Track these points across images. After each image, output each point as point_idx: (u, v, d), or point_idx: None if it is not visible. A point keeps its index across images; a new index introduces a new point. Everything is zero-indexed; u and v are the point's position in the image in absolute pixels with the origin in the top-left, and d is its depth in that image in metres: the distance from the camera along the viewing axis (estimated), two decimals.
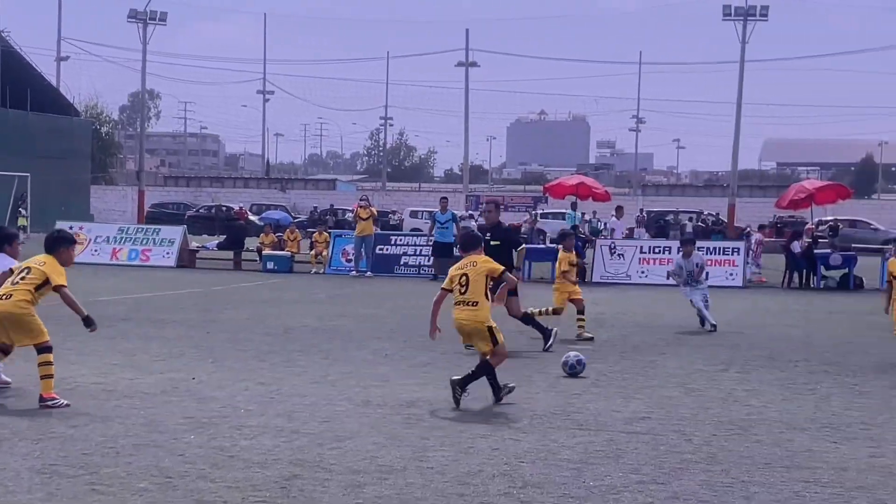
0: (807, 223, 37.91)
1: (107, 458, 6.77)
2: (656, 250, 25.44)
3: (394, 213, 59.85)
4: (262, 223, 40.51)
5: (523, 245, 14.01)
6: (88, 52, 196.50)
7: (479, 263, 9.03)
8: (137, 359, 11.12)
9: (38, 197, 47.61)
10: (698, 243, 27.17)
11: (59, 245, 8.86)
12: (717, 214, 55.50)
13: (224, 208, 57.83)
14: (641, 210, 56.09)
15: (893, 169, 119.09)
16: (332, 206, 62.83)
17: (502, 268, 9.20)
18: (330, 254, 27.11)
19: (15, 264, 9.18)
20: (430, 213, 40.75)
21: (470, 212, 55.19)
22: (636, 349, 12.91)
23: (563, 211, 52.70)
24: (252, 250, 28.46)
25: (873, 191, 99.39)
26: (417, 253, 26.62)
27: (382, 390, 9.52)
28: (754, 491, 6.32)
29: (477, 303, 8.86)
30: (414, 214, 57.21)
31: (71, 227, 29.55)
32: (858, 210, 57.10)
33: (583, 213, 31.92)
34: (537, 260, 26.50)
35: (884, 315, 13.28)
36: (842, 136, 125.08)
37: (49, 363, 8.51)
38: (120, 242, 28.47)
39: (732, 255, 25.27)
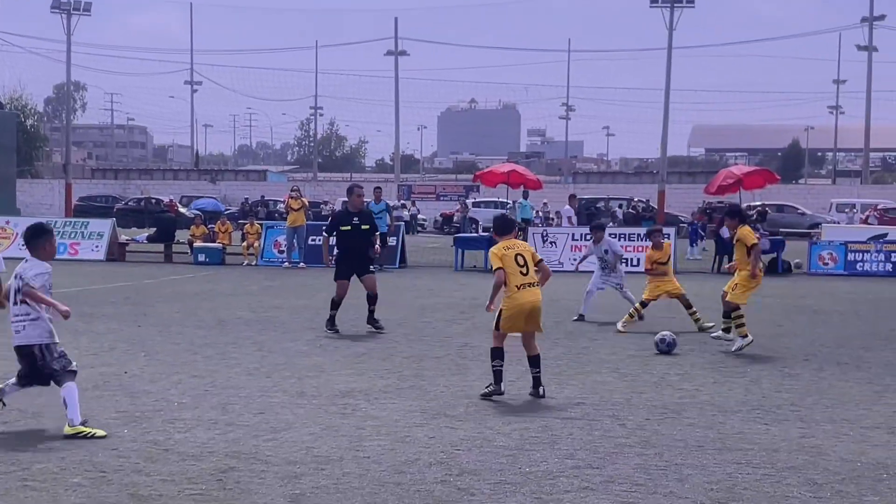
0: None
1: (39, 453, 6.66)
2: (588, 238, 25.63)
3: (325, 203, 59.49)
4: (193, 214, 40.02)
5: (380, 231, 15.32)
6: (11, 43, 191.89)
7: (523, 245, 8.97)
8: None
9: None
10: (630, 230, 27.66)
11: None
12: (648, 201, 56.25)
13: (153, 200, 56.94)
14: (572, 197, 56.56)
15: (819, 154, 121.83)
16: (263, 197, 62.29)
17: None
18: (262, 245, 26.89)
19: None
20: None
21: (402, 201, 55.27)
22: (569, 335, 13.04)
23: (494, 199, 53.07)
24: (183, 242, 28.09)
25: (800, 176, 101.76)
26: None
27: (317, 381, 9.49)
28: (688, 473, 6.44)
29: (536, 283, 8.79)
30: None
31: None
32: (786, 195, 58.40)
33: (514, 201, 32.07)
34: (470, 248, 26.63)
35: (812, 298, 13.54)
36: (769, 121, 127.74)
37: None
38: None
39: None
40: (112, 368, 10.01)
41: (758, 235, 14.81)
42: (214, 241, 27.74)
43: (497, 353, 8.80)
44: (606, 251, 15.07)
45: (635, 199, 58.04)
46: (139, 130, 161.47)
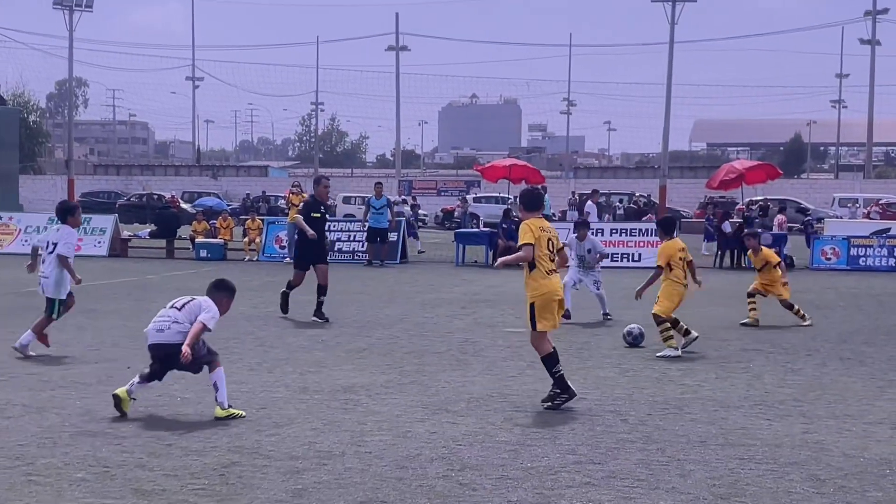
0: (737, 203, 38.60)
1: (43, 448, 6.68)
2: (590, 232, 25.63)
3: None
4: (195, 210, 39.99)
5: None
6: (13, 39, 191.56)
7: (552, 229, 8.32)
8: (72, 349, 10.94)
9: None
10: (632, 225, 27.63)
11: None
12: (649, 196, 56.23)
13: (155, 196, 56.94)
14: (573, 193, 56.56)
15: (822, 148, 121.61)
16: (264, 192, 62.24)
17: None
18: (263, 241, 26.89)
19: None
20: (364, 198, 40.56)
21: (403, 197, 55.25)
22: (570, 331, 13.03)
23: (495, 195, 53.01)
24: (185, 238, 28.10)
25: (802, 170, 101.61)
26: (351, 239, 26.55)
27: (319, 376, 9.50)
28: (690, 469, 6.44)
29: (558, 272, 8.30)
30: (347, 200, 56.95)
31: (0, 218, 28.94)
32: (788, 190, 58.35)
33: (516, 197, 32.09)
34: (471, 244, 26.60)
35: (815, 293, 13.54)
36: (771, 115, 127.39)
37: None
38: None
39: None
40: (115, 364, 10.02)
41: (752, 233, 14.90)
42: (216, 237, 27.75)
43: (551, 359, 8.12)
44: (590, 250, 14.89)
45: (637, 194, 58.03)
46: (141, 126, 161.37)
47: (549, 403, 8.15)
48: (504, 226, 24.90)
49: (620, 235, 25.86)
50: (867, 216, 44.56)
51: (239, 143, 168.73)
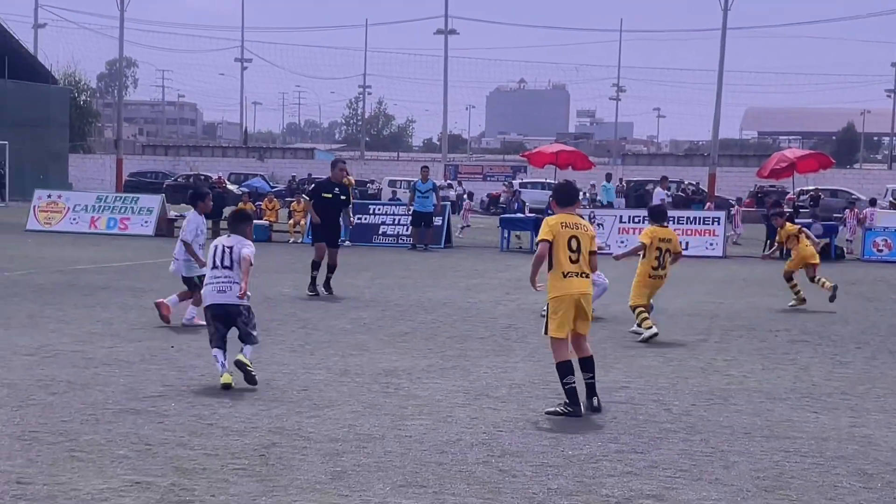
0: (788, 193, 38.07)
1: (86, 425, 6.76)
2: (635, 220, 25.48)
3: (372, 182, 59.66)
4: (241, 192, 40.32)
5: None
6: (66, 19, 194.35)
7: (585, 227, 7.66)
8: (116, 327, 11.08)
9: (15, 166, 47.11)
10: (678, 213, 27.36)
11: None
12: (698, 184, 55.61)
13: (202, 177, 57.46)
14: (621, 180, 56.15)
15: (875, 138, 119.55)
16: (310, 175, 62.43)
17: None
18: (308, 223, 26.99)
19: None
20: (409, 182, 40.59)
21: (449, 181, 55.22)
22: (615, 319, 12.94)
23: (541, 180, 52.79)
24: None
25: (855, 160, 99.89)
26: (396, 222, 26.60)
27: (360, 359, 9.52)
28: (734, 460, 6.36)
29: (589, 275, 7.59)
30: (392, 184, 57.08)
31: (50, 196, 29.39)
32: (840, 180, 57.42)
33: (593, 184, 31.79)
34: (516, 229, 26.52)
35: (866, 285, 13.36)
36: (824, 104, 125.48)
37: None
38: (98, 211, 28.31)
39: (713, 224, 25.37)
40: (158, 343, 10.13)
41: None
42: (261, 219, 27.94)
43: (565, 368, 7.41)
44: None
45: (685, 182, 57.40)
46: (189, 107, 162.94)
47: (553, 409, 7.43)
48: (549, 211, 24.78)
49: (669, 224, 25.59)
50: None
51: (286, 126, 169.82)
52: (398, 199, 41.46)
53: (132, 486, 5.44)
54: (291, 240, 26.49)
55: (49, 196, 29.48)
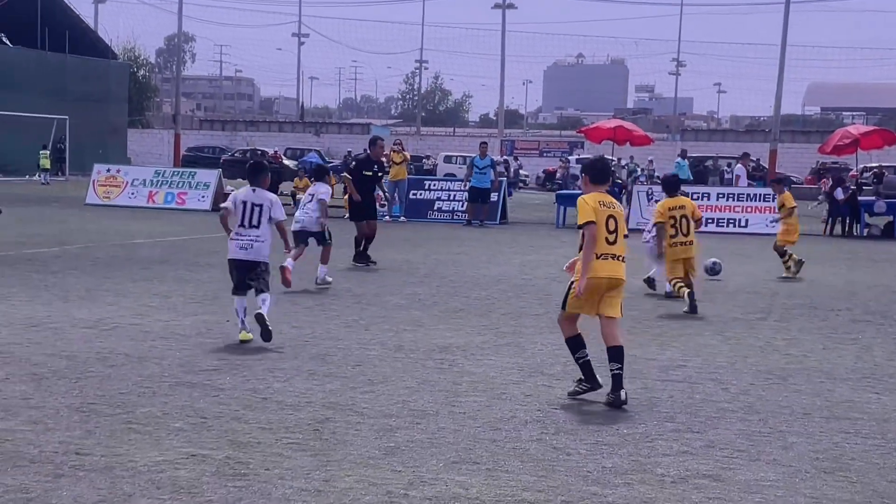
0: (850, 169, 37.31)
1: (143, 397, 6.86)
2: (694, 197, 25.06)
3: (428, 157, 59.66)
4: (299, 168, 40.54)
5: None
6: None
7: (618, 206, 7.28)
8: (173, 301, 11.23)
9: (76, 140, 47.94)
10: (739, 190, 26.92)
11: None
12: (759, 160, 54.72)
13: (259, 152, 57.95)
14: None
15: None
16: (365, 150, 62.90)
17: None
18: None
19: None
20: (466, 158, 40.59)
21: (505, 157, 55.01)
22: (672, 297, 12.79)
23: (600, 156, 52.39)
24: (286, 194, 28.52)
25: None
26: (451, 198, 26.57)
27: (415, 335, 9.54)
28: (792, 441, 6.26)
29: (624, 259, 7.20)
30: (448, 159, 57.02)
31: (108, 170, 29.86)
32: None
33: (619, 158, 31.59)
34: (572, 206, 26.29)
35: None
36: (889, 80, 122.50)
37: None
38: (156, 186, 28.71)
39: (774, 201, 24.92)
40: (215, 317, 10.23)
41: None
42: None
43: (575, 343, 7.19)
44: None
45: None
46: (246, 82, 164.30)
47: (573, 389, 7.21)
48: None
49: (728, 200, 25.24)
50: None
51: (342, 101, 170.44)
52: (453, 175, 41.38)
53: (188, 459, 5.52)
54: (346, 215, 26.46)
55: (108, 170, 29.96)
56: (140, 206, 27.63)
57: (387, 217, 25.49)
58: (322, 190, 13.59)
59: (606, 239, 7.04)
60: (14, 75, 48.43)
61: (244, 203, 9.10)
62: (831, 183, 26.06)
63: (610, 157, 33.14)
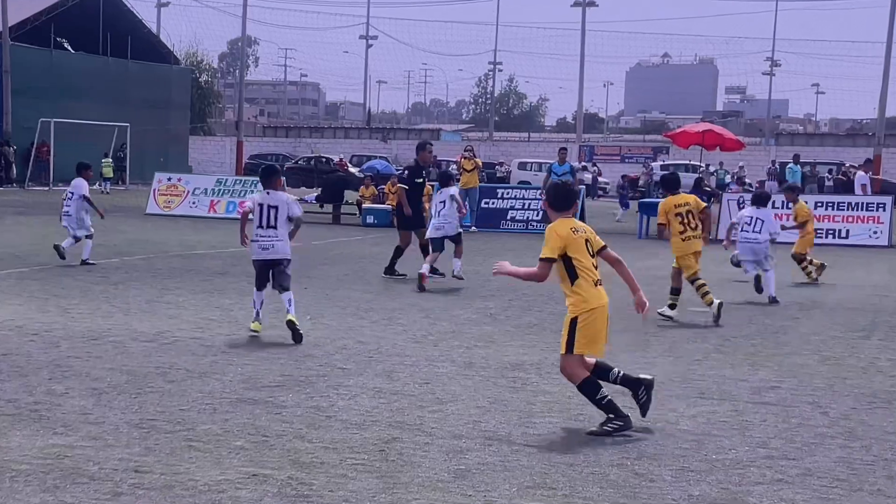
0: None
1: (203, 414, 6.98)
2: (789, 206, 24.65)
3: (501, 164, 59.68)
4: (363, 175, 40.92)
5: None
6: None
7: (586, 229, 7.28)
8: (234, 314, 11.40)
9: (136, 147, 48.93)
10: (839, 198, 26.39)
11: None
12: (844, 164, 53.58)
13: (323, 159, 58.57)
14: (773, 162, 54.58)
15: None
16: (435, 157, 63.08)
17: None
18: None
19: None
20: (541, 164, 40.51)
21: (584, 163, 54.78)
22: (765, 312, 12.62)
23: (685, 162, 51.79)
24: (351, 203, 28.78)
25: None
26: (526, 207, 26.53)
27: (486, 351, 9.54)
28: None
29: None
30: (522, 166, 56.93)
31: (169, 179, 30.46)
32: None
33: (707, 165, 31.26)
34: (656, 215, 26.04)
35: None
36: None
37: None
38: (218, 195, 29.20)
39: (877, 210, 24.41)
40: (277, 331, 10.34)
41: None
42: (383, 203, 28.29)
43: (590, 387, 6.85)
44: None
45: (846, 165, 55.39)
46: (311, 87, 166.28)
47: (597, 428, 6.79)
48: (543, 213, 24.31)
49: (826, 209, 24.71)
50: None
51: (411, 105, 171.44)
52: (527, 183, 41.32)
53: (249, 479, 5.59)
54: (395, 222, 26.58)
55: (169, 179, 30.55)
56: (201, 215, 28.12)
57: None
58: (452, 191, 15.08)
59: (593, 263, 7.00)
60: (75, 82, 49.68)
61: (260, 206, 10.18)
62: None
63: (698, 163, 32.94)
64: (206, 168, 62.30)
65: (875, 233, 23.98)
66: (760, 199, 15.13)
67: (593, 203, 38.15)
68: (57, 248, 15.74)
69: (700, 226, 12.18)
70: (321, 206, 28.47)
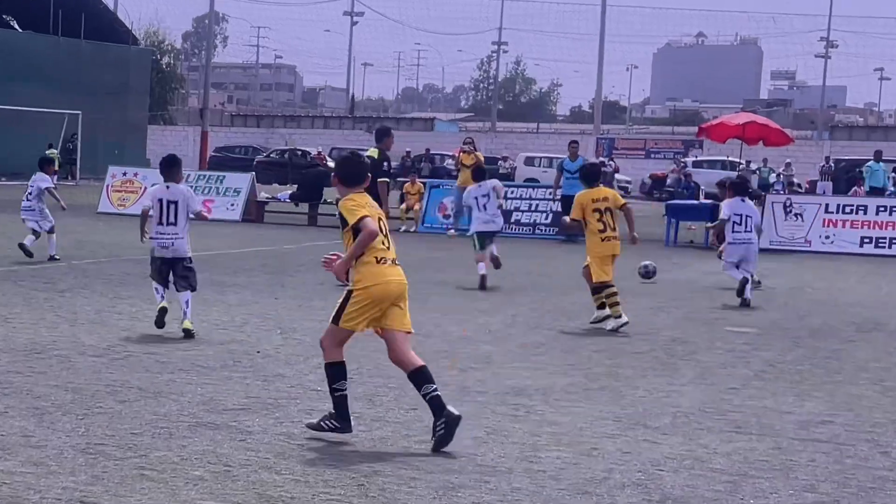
0: None
1: (158, 439, 6.99)
2: (846, 210, 24.70)
3: (505, 159, 59.79)
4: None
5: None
6: None
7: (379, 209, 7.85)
8: (196, 327, 11.36)
9: (89, 138, 48.87)
10: None
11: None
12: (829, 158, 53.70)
13: (299, 152, 58.66)
14: (827, 158, 54.71)
15: None
16: (427, 150, 62.91)
17: None
18: (424, 208, 27.24)
19: None
20: (552, 160, 40.55)
21: (601, 158, 54.84)
22: (815, 334, 12.63)
23: (721, 158, 51.87)
24: (331, 202, 28.76)
25: None
26: (533, 208, 26.55)
27: (483, 374, 9.56)
28: None
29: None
30: (529, 161, 57.08)
31: (125, 174, 30.50)
32: None
33: (748, 162, 31.30)
34: (686, 219, 26.04)
35: None
36: None
37: None
38: None
39: None
40: (243, 346, 10.36)
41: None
42: None
43: (335, 371, 7.35)
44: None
45: None
46: (287, 70, 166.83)
47: (315, 421, 7.30)
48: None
49: (891, 215, 24.29)
50: None
51: (401, 91, 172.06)
52: (535, 181, 41.42)
53: None
54: (403, 228, 26.66)
55: (124, 174, 30.65)
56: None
57: (451, 231, 25.57)
58: (491, 184, 16.49)
59: (382, 241, 7.42)
60: (21, 64, 49.50)
61: (160, 201, 10.84)
62: None
63: (737, 160, 32.99)
64: None
65: None
66: (741, 188, 15.45)
67: None
68: (22, 246, 16.85)
69: (616, 226, 12.58)
70: (296, 205, 28.51)
